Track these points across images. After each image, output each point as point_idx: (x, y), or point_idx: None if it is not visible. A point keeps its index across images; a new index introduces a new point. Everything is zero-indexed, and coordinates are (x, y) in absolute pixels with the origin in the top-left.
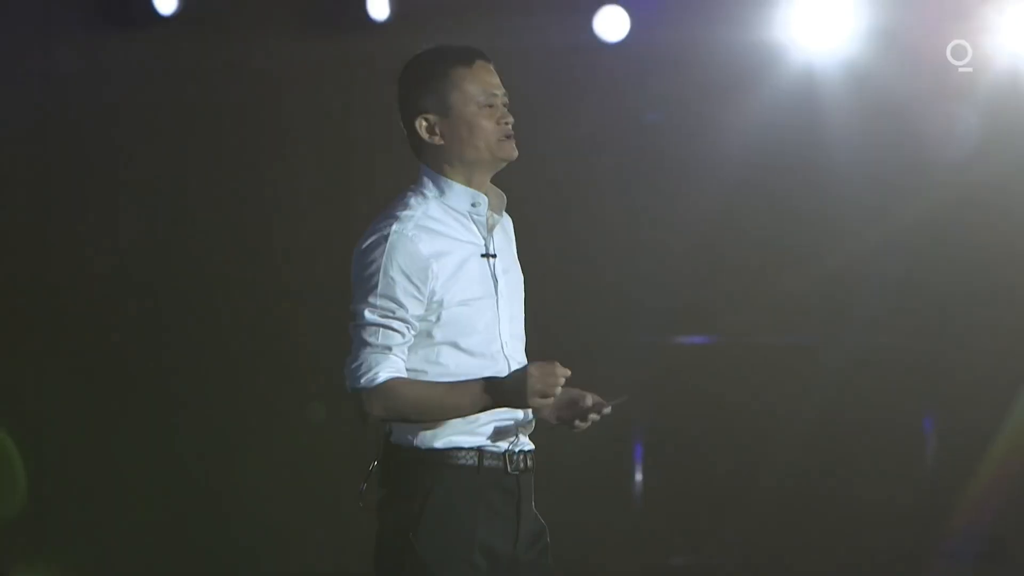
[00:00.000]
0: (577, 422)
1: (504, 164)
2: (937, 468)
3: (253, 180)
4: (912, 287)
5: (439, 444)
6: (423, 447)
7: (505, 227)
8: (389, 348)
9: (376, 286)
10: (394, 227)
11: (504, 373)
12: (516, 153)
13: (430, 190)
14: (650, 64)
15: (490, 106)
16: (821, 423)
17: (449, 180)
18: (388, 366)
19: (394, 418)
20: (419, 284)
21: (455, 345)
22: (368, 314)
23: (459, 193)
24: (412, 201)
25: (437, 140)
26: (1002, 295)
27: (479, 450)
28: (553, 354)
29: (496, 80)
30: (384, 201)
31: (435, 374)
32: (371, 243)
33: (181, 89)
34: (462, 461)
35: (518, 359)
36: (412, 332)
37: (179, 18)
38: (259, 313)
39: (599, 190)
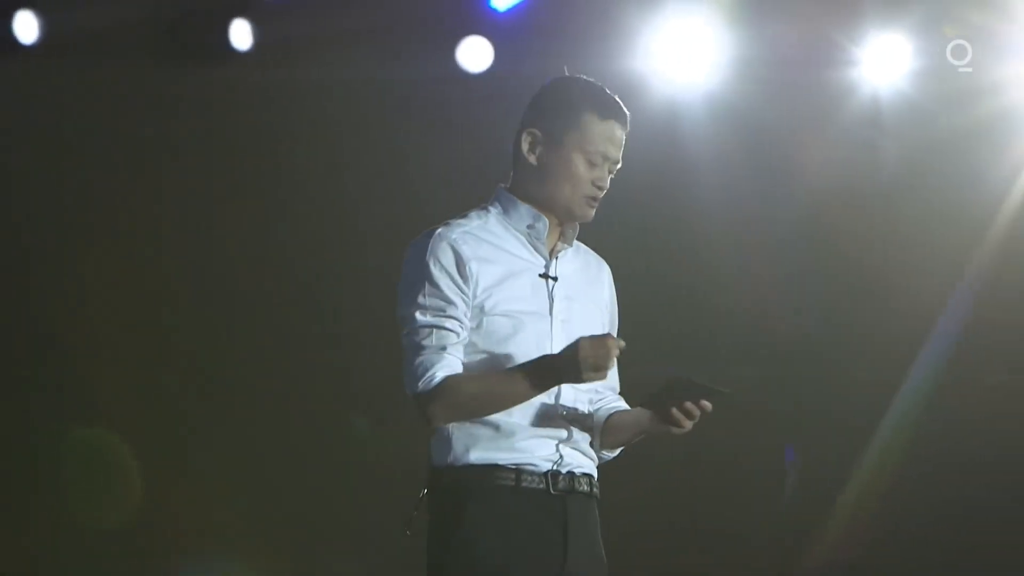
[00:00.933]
0: (675, 412)
1: (575, 222)
2: (797, 498)
3: (110, 208)
4: (774, 318)
5: (474, 459)
6: (458, 464)
7: (589, 266)
8: (444, 348)
9: (424, 288)
10: (438, 231)
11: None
12: (590, 217)
13: (495, 207)
14: (514, 95)
15: (594, 165)
16: (684, 453)
17: (514, 198)
18: (444, 366)
19: (456, 415)
20: (462, 283)
21: (494, 355)
22: (419, 316)
23: (522, 212)
24: (472, 214)
25: (532, 159)
26: (864, 326)
27: (517, 468)
28: None
29: (617, 149)
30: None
31: (476, 365)
32: (416, 249)
33: (37, 118)
34: (499, 481)
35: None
36: (464, 331)
37: (40, 48)
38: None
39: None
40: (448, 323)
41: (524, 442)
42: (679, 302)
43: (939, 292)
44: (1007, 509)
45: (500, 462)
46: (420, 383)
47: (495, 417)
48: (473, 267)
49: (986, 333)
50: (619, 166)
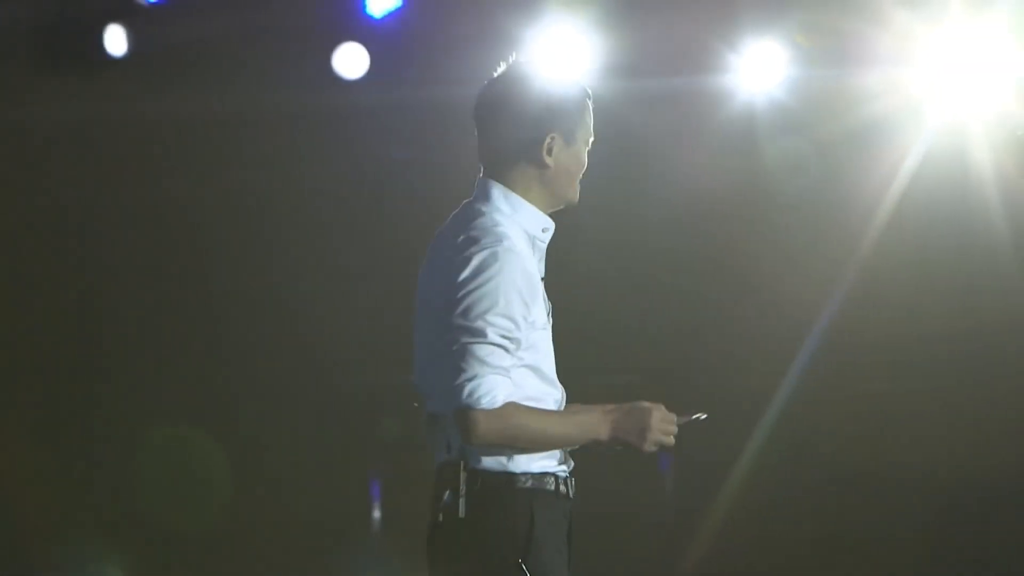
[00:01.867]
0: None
1: (562, 207)
2: (675, 506)
3: None
4: (650, 324)
5: (535, 468)
6: (518, 471)
7: None
8: (505, 370)
9: (496, 304)
10: (505, 244)
11: (563, 400)
12: (577, 200)
13: (503, 206)
14: (390, 101)
15: (588, 148)
16: None
17: (521, 199)
18: (505, 388)
19: (505, 442)
20: (530, 304)
21: (534, 369)
22: (490, 333)
23: (532, 216)
24: (496, 217)
25: (550, 162)
26: (740, 332)
27: (556, 476)
28: None
29: None
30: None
31: (518, 397)
32: (483, 259)
33: None
34: (549, 487)
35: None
36: (517, 355)
37: None
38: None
39: (345, 224)
40: (510, 347)
41: (561, 452)
42: (554, 308)
43: (814, 298)
44: (880, 514)
45: (549, 470)
46: (482, 401)
47: None
48: (537, 286)
49: (861, 339)
50: None
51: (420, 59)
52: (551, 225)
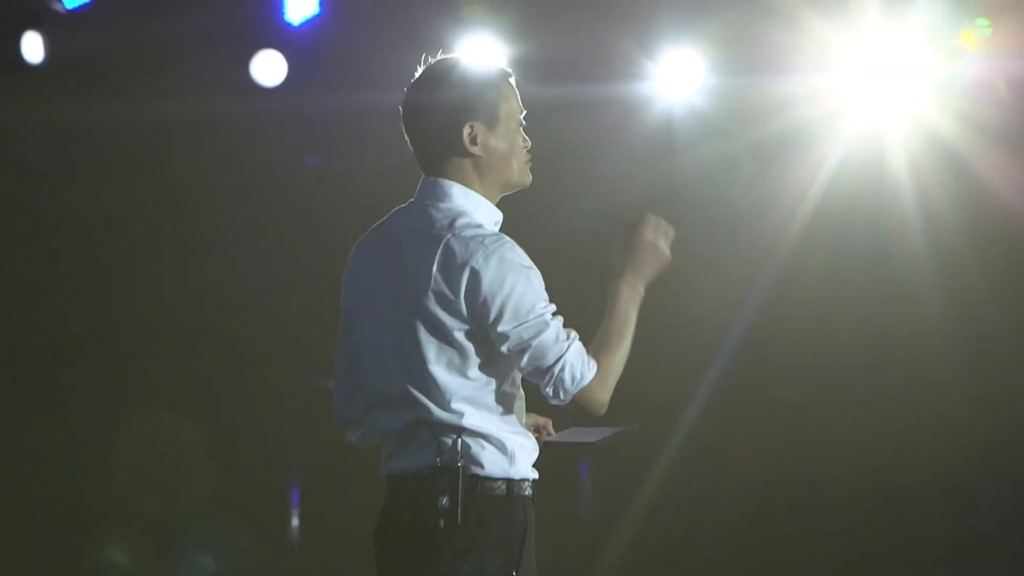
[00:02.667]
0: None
1: (516, 190)
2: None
3: None
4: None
5: (531, 473)
6: (518, 477)
7: None
8: (574, 337)
9: (536, 294)
10: (505, 239)
11: (523, 406)
12: (530, 181)
13: (464, 203)
14: (307, 108)
15: (521, 126)
16: None
17: (478, 195)
18: (578, 345)
19: (614, 382)
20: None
21: (511, 359)
22: (548, 319)
23: (487, 210)
24: (469, 219)
25: (478, 151)
26: (656, 341)
27: (531, 482)
28: None
29: None
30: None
31: (510, 390)
32: (510, 255)
33: None
34: (529, 493)
35: None
36: None
37: None
38: None
39: (258, 231)
40: (557, 315)
41: (535, 457)
42: None
43: (731, 305)
44: (794, 520)
45: (534, 476)
46: (587, 375)
47: (525, 431)
48: None
49: (777, 346)
50: None
51: (338, 66)
52: (500, 217)
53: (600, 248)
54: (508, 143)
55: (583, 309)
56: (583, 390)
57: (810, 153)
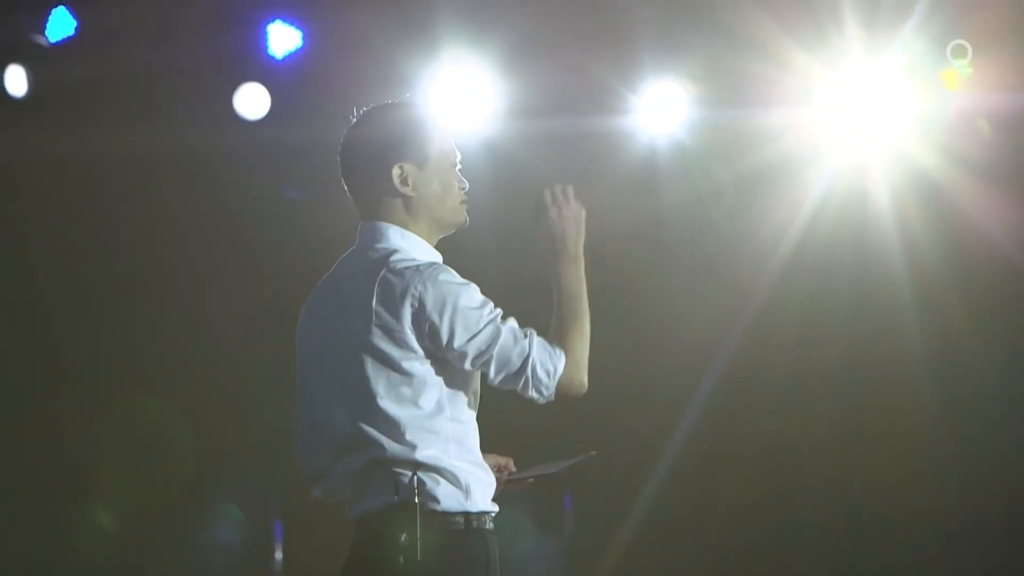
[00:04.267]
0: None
1: (453, 230)
2: (576, 545)
3: None
4: None
5: (487, 506)
6: (475, 510)
7: None
8: (532, 332)
9: (479, 304)
10: (436, 265)
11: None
12: (467, 221)
13: (401, 244)
14: (290, 141)
15: (455, 167)
16: None
17: (417, 237)
18: (539, 339)
19: (586, 359)
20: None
21: (467, 383)
22: (499, 325)
23: (425, 250)
24: (409, 252)
25: (409, 191)
26: (638, 373)
27: (492, 516)
28: None
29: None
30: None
31: (463, 418)
32: (446, 278)
33: None
34: (489, 526)
35: None
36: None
37: None
38: None
39: (239, 261)
40: (503, 317)
41: (492, 487)
42: None
43: (714, 338)
44: (780, 553)
45: (490, 509)
46: (560, 365)
47: (481, 462)
48: None
49: (759, 378)
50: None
51: (321, 100)
52: (439, 258)
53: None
54: (440, 183)
55: None
56: (560, 381)
57: (793, 186)
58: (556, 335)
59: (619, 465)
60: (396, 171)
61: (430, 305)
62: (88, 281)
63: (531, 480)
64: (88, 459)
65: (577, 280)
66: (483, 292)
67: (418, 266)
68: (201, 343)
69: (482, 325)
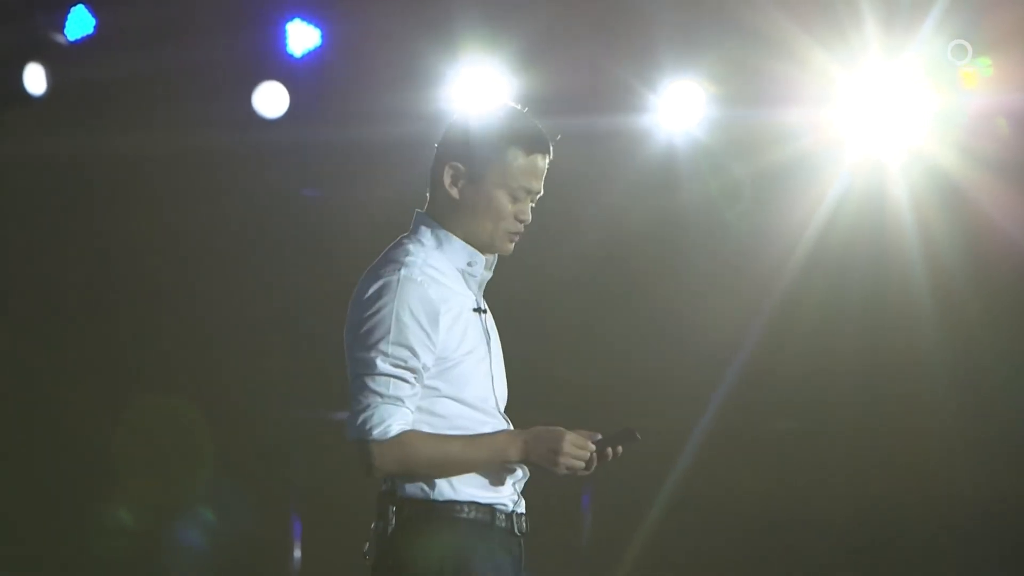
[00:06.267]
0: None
1: (494, 255)
2: (593, 545)
3: None
4: (567, 363)
5: (459, 496)
6: (440, 499)
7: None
8: (401, 400)
9: (388, 333)
10: (402, 272)
11: (502, 429)
12: (509, 251)
13: (428, 240)
14: (308, 140)
15: (518, 199)
16: None
17: (448, 233)
18: (400, 418)
19: (405, 473)
20: (430, 331)
21: (456, 398)
22: (380, 363)
23: (458, 249)
24: (411, 247)
25: (455, 193)
26: (658, 372)
27: (491, 508)
28: None
29: (539, 185)
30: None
31: (436, 425)
32: (377, 289)
33: None
34: (476, 516)
35: (507, 420)
36: (420, 383)
37: None
38: None
39: (258, 260)
40: (408, 376)
41: (496, 481)
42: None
43: (733, 337)
44: (798, 554)
45: (481, 500)
46: (375, 432)
47: None
48: (442, 311)
49: (778, 377)
50: (540, 194)
51: (340, 99)
52: (479, 259)
53: (603, 278)
54: (487, 201)
55: (585, 338)
56: (365, 443)
57: (811, 185)
58: (430, 435)
59: (637, 463)
60: (449, 169)
61: (353, 309)
62: (107, 279)
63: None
64: (107, 459)
65: (491, 456)
66: (495, 291)
67: (379, 269)
68: (220, 341)
69: (368, 353)
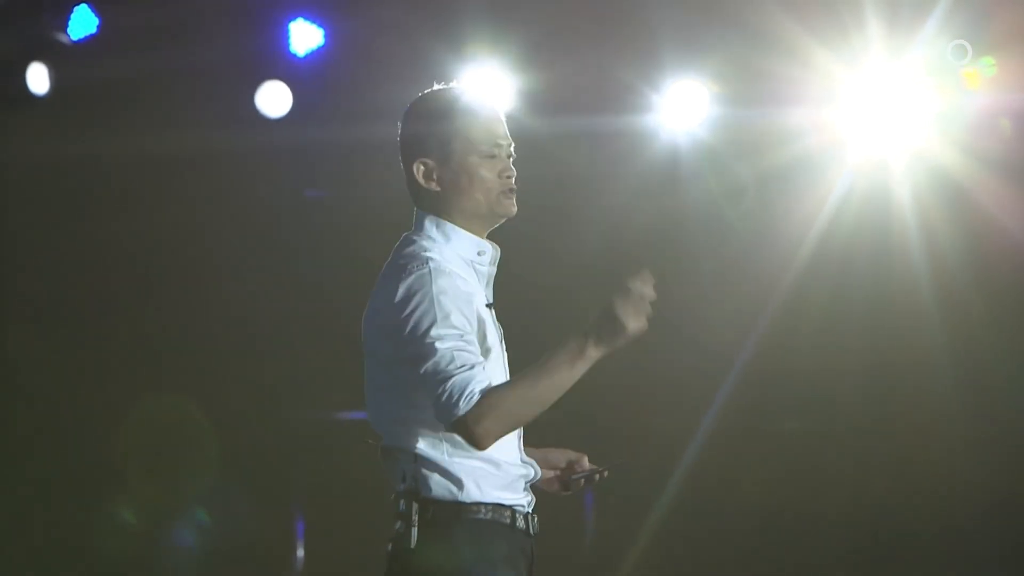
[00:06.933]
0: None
1: (502, 220)
2: (597, 540)
3: None
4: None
5: (485, 498)
6: (468, 501)
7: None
8: (470, 366)
9: (435, 319)
10: (431, 264)
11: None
12: (515, 210)
13: (435, 234)
14: (312, 140)
15: (493, 157)
16: None
17: (453, 226)
18: (478, 381)
19: (511, 424)
20: (468, 316)
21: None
22: (438, 345)
23: (465, 240)
24: (425, 243)
25: (434, 187)
26: (662, 373)
27: (512, 509)
28: None
29: (504, 130)
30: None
31: None
32: (410, 284)
33: None
34: (504, 519)
35: None
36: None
37: None
38: None
39: (261, 261)
40: (469, 347)
41: (515, 481)
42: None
43: (737, 337)
44: (803, 556)
45: (504, 502)
46: (461, 404)
47: (489, 453)
48: (474, 302)
49: (782, 377)
50: (513, 144)
51: (343, 98)
52: (488, 249)
53: (605, 277)
54: (467, 176)
55: None
56: (460, 422)
57: (814, 185)
58: (505, 384)
59: (640, 464)
60: (419, 167)
61: (390, 308)
62: (110, 280)
63: (599, 476)
64: (111, 458)
65: (568, 368)
66: (497, 290)
67: (409, 263)
68: (224, 342)
69: (425, 340)
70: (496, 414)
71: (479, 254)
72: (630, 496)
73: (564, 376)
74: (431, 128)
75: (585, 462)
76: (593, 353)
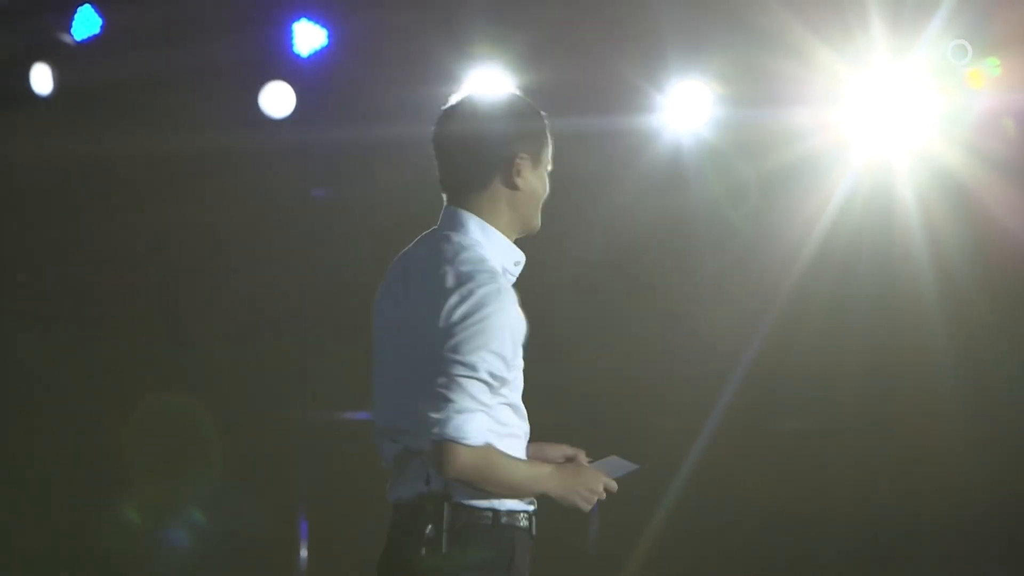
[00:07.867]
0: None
1: (526, 235)
2: (601, 545)
3: None
4: (576, 364)
5: (516, 506)
6: (503, 508)
7: None
8: (489, 407)
9: (491, 342)
10: (501, 283)
11: (528, 433)
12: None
13: (480, 238)
14: (316, 140)
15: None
16: None
17: (494, 230)
18: (488, 427)
19: (477, 481)
20: (517, 347)
21: (513, 407)
22: (481, 368)
23: (507, 248)
24: (482, 252)
25: (519, 183)
26: (665, 373)
27: (529, 513)
28: None
29: None
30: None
31: (499, 432)
32: (482, 297)
33: None
34: (523, 524)
35: None
36: (500, 393)
37: None
38: None
39: (266, 261)
40: (496, 384)
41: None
42: None
43: (741, 336)
44: (806, 555)
45: (526, 508)
46: (468, 436)
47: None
48: (524, 327)
49: (786, 377)
50: None
51: (347, 98)
52: (522, 258)
53: (609, 278)
54: (543, 185)
55: (591, 338)
56: (456, 444)
57: (818, 185)
58: (506, 453)
59: (643, 463)
60: (518, 161)
61: (451, 311)
62: (112, 280)
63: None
64: (115, 458)
65: (542, 485)
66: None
67: (477, 273)
68: (229, 341)
69: (468, 358)
70: (480, 468)
71: (515, 264)
72: (633, 495)
73: (532, 489)
74: (533, 129)
75: (582, 458)
76: (553, 490)
